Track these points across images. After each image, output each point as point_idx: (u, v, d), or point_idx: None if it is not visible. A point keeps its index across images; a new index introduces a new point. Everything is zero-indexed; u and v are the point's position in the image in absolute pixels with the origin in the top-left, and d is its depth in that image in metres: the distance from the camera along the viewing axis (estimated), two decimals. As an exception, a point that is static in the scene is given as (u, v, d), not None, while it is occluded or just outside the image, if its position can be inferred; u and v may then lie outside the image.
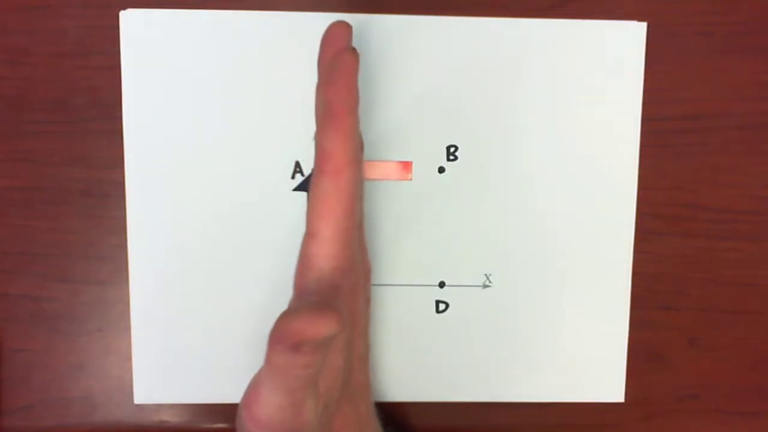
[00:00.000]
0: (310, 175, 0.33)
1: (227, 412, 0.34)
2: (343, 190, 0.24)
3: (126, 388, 0.34)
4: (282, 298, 0.34)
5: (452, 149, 0.34)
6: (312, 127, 0.33)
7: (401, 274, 0.34)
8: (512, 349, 0.35)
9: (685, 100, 0.34)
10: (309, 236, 0.25)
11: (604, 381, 0.35)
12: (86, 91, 0.33)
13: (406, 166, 0.34)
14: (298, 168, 0.33)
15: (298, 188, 0.33)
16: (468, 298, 0.34)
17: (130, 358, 0.34)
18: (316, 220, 0.24)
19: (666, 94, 0.34)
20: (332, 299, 0.24)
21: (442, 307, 0.34)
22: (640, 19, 0.34)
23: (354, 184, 0.24)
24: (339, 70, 0.22)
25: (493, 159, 0.34)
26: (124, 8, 0.33)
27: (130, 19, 0.33)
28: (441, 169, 0.34)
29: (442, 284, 0.34)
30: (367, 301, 0.29)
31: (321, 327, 0.21)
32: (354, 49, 0.23)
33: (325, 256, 0.24)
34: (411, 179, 0.34)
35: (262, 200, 0.33)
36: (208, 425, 0.35)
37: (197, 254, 0.33)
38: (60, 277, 0.34)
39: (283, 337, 0.21)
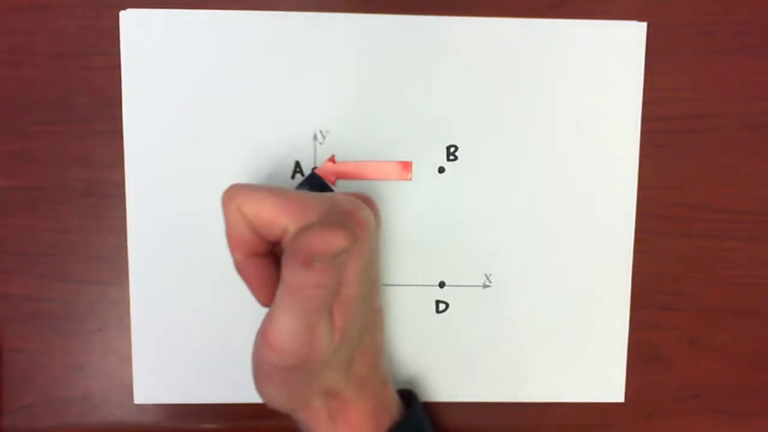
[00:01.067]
0: (308, 176, 0.33)
1: (227, 412, 0.34)
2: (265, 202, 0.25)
3: (126, 388, 0.34)
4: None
5: (452, 149, 0.34)
6: (311, 126, 0.33)
7: (401, 274, 0.34)
8: (512, 349, 0.35)
9: (685, 100, 0.34)
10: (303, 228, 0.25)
11: (604, 381, 0.35)
12: (86, 91, 0.33)
13: (406, 166, 0.34)
14: (298, 168, 0.33)
15: (298, 188, 0.33)
16: (468, 298, 0.34)
17: (130, 358, 0.34)
18: (292, 219, 0.25)
19: (666, 94, 0.34)
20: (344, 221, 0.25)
21: (442, 307, 0.34)
22: (640, 19, 0.34)
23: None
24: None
25: (493, 159, 0.34)
26: (124, 8, 0.33)
27: (130, 19, 0.33)
28: (441, 169, 0.34)
29: (442, 284, 0.34)
30: (378, 225, 0.29)
31: (332, 241, 0.22)
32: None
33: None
34: (411, 179, 0.34)
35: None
36: (207, 425, 0.35)
37: (197, 254, 0.33)
38: (60, 277, 0.34)
39: (296, 253, 0.23)
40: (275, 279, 0.26)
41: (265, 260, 0.27)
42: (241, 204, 0.25)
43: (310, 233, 0.22)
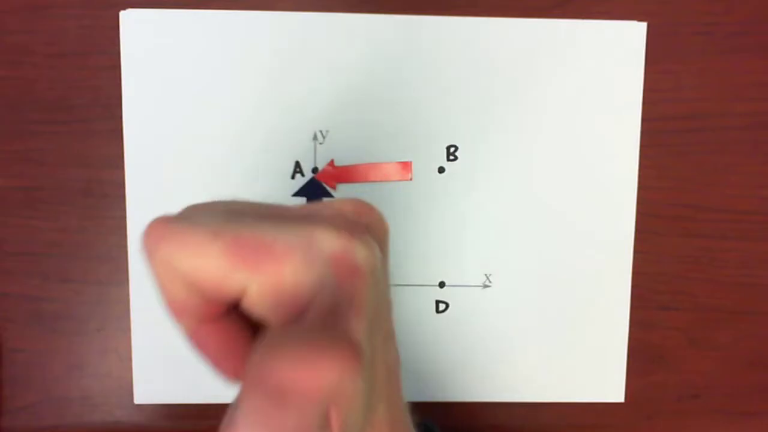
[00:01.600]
0: (308, 182, 0.33)
1: (227, 412, 0.34)
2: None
3: (126, 388, 0.34)
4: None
5: (452, 149, 0.34)
6: (311, 126, 0.33)
7: (401, 274, 0.34)
8: (512, 349, 0.35)
9: (685, 100, 0.34)
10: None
11: (604, 381, 0.35)
12: (86, 91, 0.33)
13: (406, 166, 0.34)
14: (298, 168, 0.33)
15: (297, 194, 0.33)
16: (468, 298, 0.34)
17: (130, 358, 0.34)
18: (253, 273, 0.16)
19: (666, 94, 0.34)
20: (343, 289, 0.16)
21: (442, 307, 0.34)
22: (640, 19, 0.34)
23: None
24: None
25: (493, 159, 0.34)
26: (124, 8, 0.33)
27: (130, 19, 0.33)
28: (441, 169, 0.34)
29: (442, 284, 0.34)
30: (385, 254, 0.20)
31: (318, 375, 0.14)
32: None
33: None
34: (411, 179, 0.34)
35: (262, 200, 0.33)
36: (207, 425, 0.35)
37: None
38: (60, 277, 0.34)
39: (259, 387, 0.14)
40: (243, 346, 0.19)
41: (225, 324, 0.18)
42: (173, 257, 0.16)
43: (280, 359, 0.14)
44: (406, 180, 0.34)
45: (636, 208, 0.34)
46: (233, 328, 0.18)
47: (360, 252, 0.17)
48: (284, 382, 0.14)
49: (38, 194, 0.33)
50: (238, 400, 0.15)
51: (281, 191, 0.33)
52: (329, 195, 0.33)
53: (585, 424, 0.35)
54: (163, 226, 0.16)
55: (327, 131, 0.33)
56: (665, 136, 0.34)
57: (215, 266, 0.16)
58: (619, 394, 0.35)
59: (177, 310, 0.18)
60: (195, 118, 0.33)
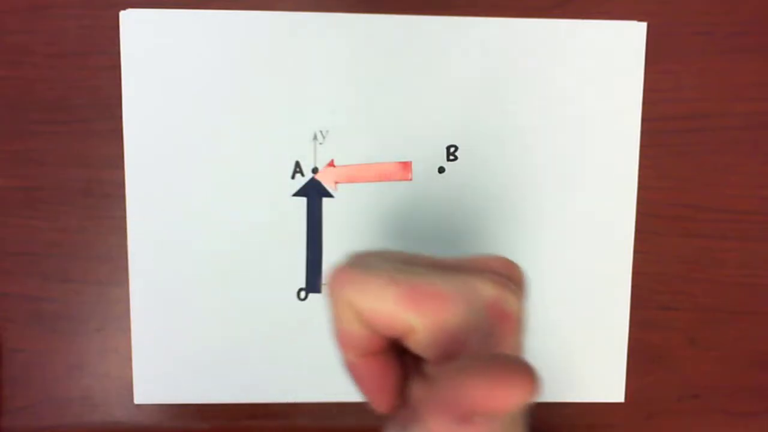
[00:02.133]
0: (308, 182, 0.33)
1: (227, 412, 0.34)
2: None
3: (126, 388, 0.34)
4: (281, 297, 0.34)
5: (452, 149, 0.34)
6: (311, 126, 0.33)
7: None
8: (512, 349, 0.35)
9: (685, 100, 0.34)
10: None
11: (604, 381, 0.35)
12: (86, 91, 0.33)
13: (406, 166, 0.34)
14: (298, 168, 0.33)
15: (297, 194, 0.33)
16: (468, 298, 0.34)
17: (130, 358, 0.34)
18: (420, 315, 0.19)
19: (666, 94, 0.34)
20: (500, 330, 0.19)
21: (442, 307, 0.34)
22: (640, 19, 0.34)
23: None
24: None
25: (493, 159, 0.34)
26: (124, 8, 0.33)
27: (130, 19, 0.33)
28: (441, 169, 0.34)
29: (442, 284, 0.34)
30: (525, 303, 0.23)
31: (508, 396, 0.16)
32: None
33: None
34: (411, 179, 0.34)
35: (262, 200, 0.33)
36: (207, 425, 0.35)
37: (197, 254, 0.33)
38: (60, 277, 0.34)
39: (449, 405, 0.17)
40: (396, 381, 0.22)
41: (383, 359, 0.21)
42: (354, 298, 0.19)
43: (472, 382, 0.16)
44: (406, 180, 0.34)
45: (636, 208, 0.34)
46: (389, 363, 0.21)
47: (511, 301, 0.20)
48: (475, 404, 0.16)
49: (38, 194, 0.33)
50: (424, 418, 0.18)
51: (281, 191, 0.33)
52: (329, 195, 0.33)
53: (585, 424, 0.35)
54: (348, 272, 0.20)
55: (327, 131, 0.33)
56: (665, 136, 0.34)
57: (391, 308, 0.19)
58: (619, 394, 0.35)
59: (347, 342, 0.21)
60: (195, 118, 0.33)
